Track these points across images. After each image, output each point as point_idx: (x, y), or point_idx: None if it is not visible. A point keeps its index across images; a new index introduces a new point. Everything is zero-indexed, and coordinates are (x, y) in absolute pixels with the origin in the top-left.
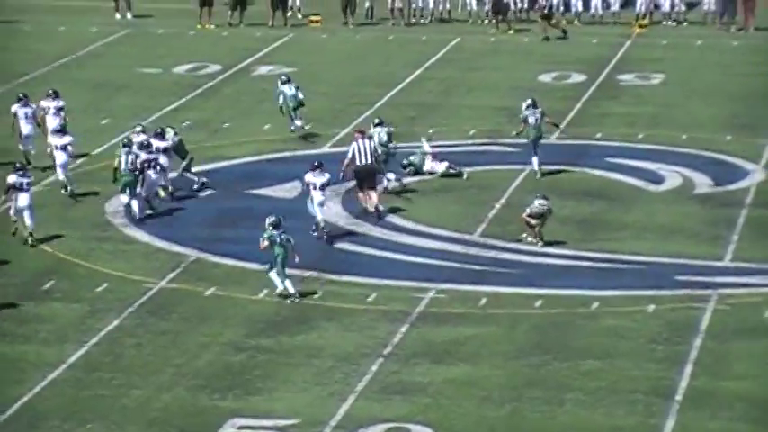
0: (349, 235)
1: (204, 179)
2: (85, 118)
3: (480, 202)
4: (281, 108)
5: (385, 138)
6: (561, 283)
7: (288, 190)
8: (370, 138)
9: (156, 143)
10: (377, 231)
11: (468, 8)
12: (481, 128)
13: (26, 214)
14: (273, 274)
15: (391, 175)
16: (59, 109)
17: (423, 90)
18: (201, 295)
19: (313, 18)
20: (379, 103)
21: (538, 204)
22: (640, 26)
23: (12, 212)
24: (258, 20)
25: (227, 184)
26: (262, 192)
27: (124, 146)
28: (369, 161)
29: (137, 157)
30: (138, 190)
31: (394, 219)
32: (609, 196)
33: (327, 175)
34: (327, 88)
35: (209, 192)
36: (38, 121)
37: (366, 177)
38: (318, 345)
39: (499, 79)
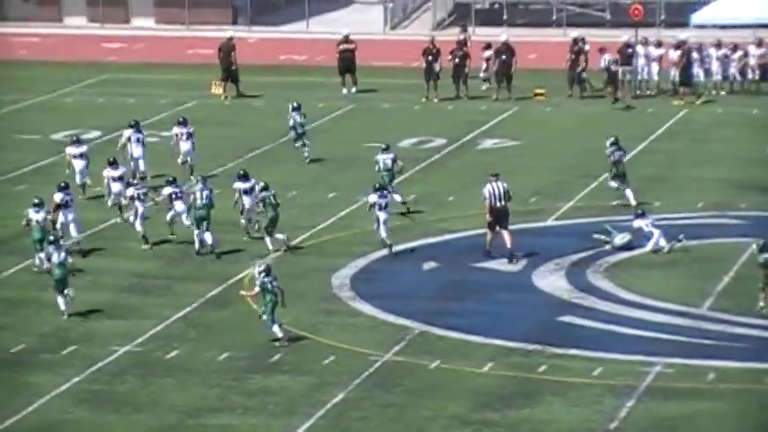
0: (574, 308)
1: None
2: (312, 192)
3: (708, 276)
4: (291, 128)
5: (390, 164)
6: None
7: (512, 263)
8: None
9: (239, 185)
10: (602, 305)
11: (696, 79)
12: (708, 200)
13: (72, 227)
14: (268, 322)
15: (398, 197)
16: (190, 134)
17: (648, 163)
18: (427, 368)
19: (538, 91)
20: (603, 176)
21: None
22: None
23: (58, 227)
24: (483, 93)
25: (451, 257)
26: (486, 265)
27: (197, 182)
28: (502, 203)
29: (211, 191)
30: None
31: (620, 292)
32: None
33: (389, 197)
34: (552, 161)
35: (434, 264)
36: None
37: (500, 218)
38: (544, 419)
39: (726, 151)
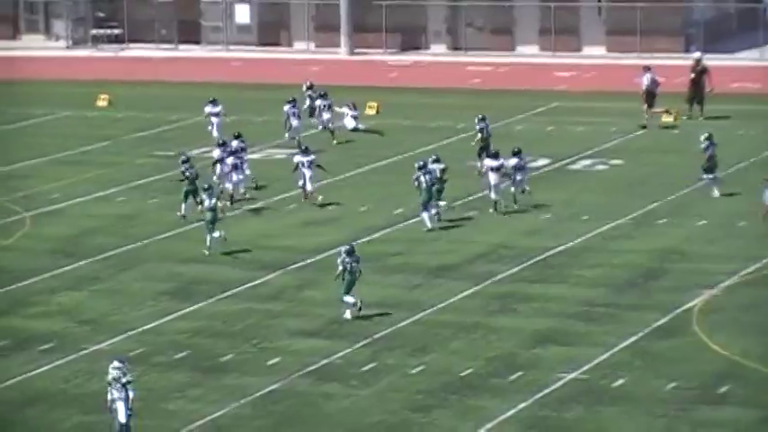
0: None
1: None
2: (761, 222)
3: None
4: (306, 108)
5: (438, 174)
6: None
7: None
8: None
9: (489, 163)
10: None
11: None
12: None
13: (235, 180)
14: (348, 298)
15: (442, 203)
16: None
17: None
18: None
19: None
20: None
21: None
22: None
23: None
24: None
25: None
26: None
27: (419, 168)
28: None
29: (430, 175)
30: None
31: None
32: None
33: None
34: None
35: None
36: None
37: None
38: None
39: None
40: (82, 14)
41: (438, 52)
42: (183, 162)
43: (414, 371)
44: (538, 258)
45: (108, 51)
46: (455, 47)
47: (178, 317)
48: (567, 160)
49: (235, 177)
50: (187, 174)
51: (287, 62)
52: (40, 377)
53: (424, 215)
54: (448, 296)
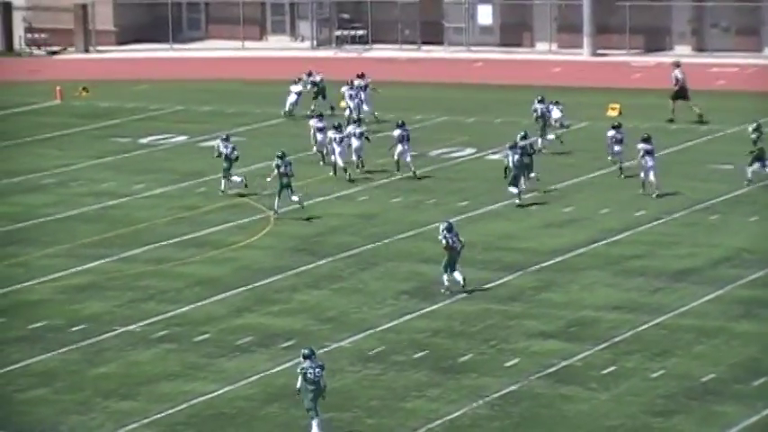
0: None
1: None
2: None
3: None
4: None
5: (527, 149)
6: None
7: None
8: None
9: (643, 146)
10: None
11: None
12: None
13: (337, 153)
14: (445, 276)
15: (533, 174)
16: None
17: None
18: None
19: None
20: None
21: None
22: None
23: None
24: None
25: None
26: None
27: (511, 148)
28: None
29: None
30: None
31: None
32: None
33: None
34: None
35: None
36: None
37: None
38: None
39: None
40: (326, 16)
41: (682, 53)
42: (223, 140)
43: (654, 375)
44: None
45: (351, 52)
46: (699, 48)
47: (417, 316)
48: None
49: (338, 149)
50: (224, 152)
51: (529, 63)
52: (282, 374)
53: (512, 190)
54: (690, 300)
